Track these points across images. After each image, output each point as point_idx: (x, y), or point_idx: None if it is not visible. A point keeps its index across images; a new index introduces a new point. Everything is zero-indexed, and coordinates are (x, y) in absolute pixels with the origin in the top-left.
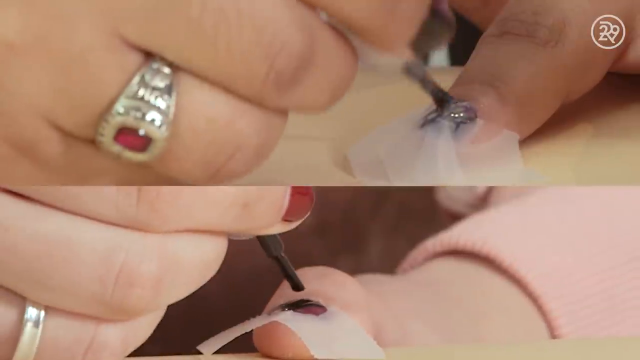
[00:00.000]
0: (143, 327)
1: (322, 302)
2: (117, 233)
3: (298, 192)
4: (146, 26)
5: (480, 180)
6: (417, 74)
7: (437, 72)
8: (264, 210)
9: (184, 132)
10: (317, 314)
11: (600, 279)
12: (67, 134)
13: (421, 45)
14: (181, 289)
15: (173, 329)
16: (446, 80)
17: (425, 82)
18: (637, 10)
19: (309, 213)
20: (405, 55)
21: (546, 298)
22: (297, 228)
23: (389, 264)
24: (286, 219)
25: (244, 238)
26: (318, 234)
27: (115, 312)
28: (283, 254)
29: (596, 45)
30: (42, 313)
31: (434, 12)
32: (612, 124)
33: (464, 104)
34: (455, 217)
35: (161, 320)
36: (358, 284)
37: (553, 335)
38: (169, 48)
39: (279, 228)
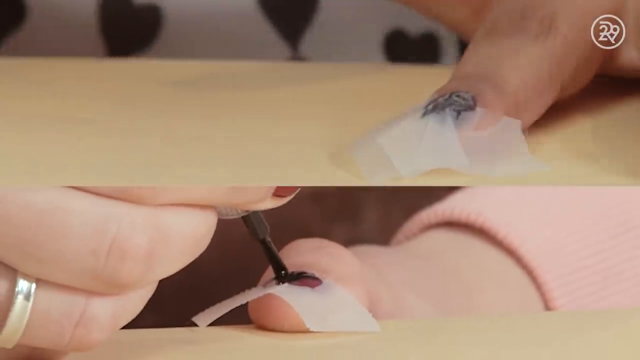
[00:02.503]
0: (133, 303)
1: (317, 274)
2: (109, 205)
3: None
4: None
5: (483, 181)
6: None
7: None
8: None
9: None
10: (312, 286)
11: (595, 250)
12: None
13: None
14: (172, 264)
15: (168, 296)
16: (427, 79)
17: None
18: (628, 4)
19: (299, 188)
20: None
21: (541, 270)
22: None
23: (385, 232)
24: (277, 194)
25: (232, 217)
26: (314, 201)
27: (107, 285)
28: (269, 238)
29: (589, 37)
30: (33, 286)
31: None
32: (611, 122)
33: (463, 94)
34: (450, 189)
35: (156, 289)
36: (353, 256)
37: (547, 307)
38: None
39: (270, 203)
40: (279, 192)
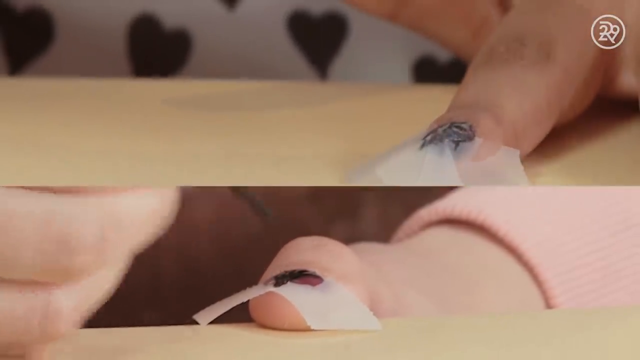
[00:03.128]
0: (97, 287)
1: (318, 272)
2: (55, 199)
3: None
4: None
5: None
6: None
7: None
8: None
9: None
10: (313, 284)
11: (595, 248)
12: None
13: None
14: (127, 246)
15: (168, 296)
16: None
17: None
18: (626, 31)
19: None
20: None
21: (541, 268)
22: (291, 193)
23: (384, 231)
24: None
25: None
26: (313, 200)
27: (63, 277)
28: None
29: (587, 64)
30: None
31: None
32: (609, 148)
33: (462, 124)
34: (450, 186)
35: (156, 287)
36: (354, 254)
37: (548, 305)
38: None
39: None
40: None
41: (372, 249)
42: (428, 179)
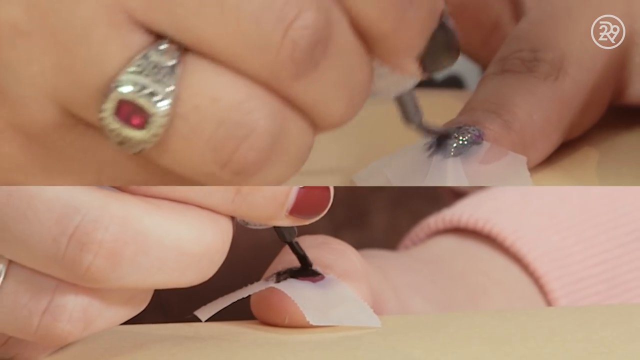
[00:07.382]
0: (110, 307)
1: (319, 269)
2: (79, 195)
3: (312, 188)
4: (151, 1)
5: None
6: (408, 107)
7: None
8: (261, 201)
9: (188, 112)
10: (314, 281)
11: (601, 259)
12: (74, 118)
13: (428, 62)
14: (151, 273)
15: (172, 301)
16: (453, 104)
17: (415, 118)
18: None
19: (325, 211)
20: (412, 71)
21: (547, 278)
22: None
23: (393, 239)
24: (294, 214)
25: (259, 227)
26: None
27: (69, 275)
28: (296, 240)
29: (597, 79)
30: (3, 266)
31: (441, 26)
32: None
33: (470, 128)
34: (458, 195)
35: (160, 292)
36: (358, 254)
37: None
38: (175, 22)
39: (287, 222)
40: (296, 212)
41: (379, 256)
42: (435, 180)
